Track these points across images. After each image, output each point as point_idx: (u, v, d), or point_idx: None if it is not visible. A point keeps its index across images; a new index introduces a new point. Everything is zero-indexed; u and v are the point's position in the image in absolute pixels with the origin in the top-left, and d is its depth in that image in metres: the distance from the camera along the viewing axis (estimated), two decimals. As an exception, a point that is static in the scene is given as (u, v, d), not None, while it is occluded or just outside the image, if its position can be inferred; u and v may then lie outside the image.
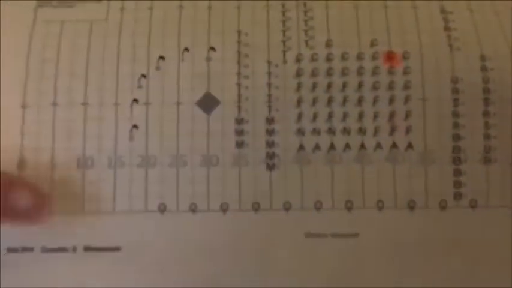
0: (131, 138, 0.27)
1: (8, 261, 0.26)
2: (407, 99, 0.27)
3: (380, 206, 0.26)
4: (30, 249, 0.26)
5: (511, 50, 0.27)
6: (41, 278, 0.26)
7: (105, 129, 0.27)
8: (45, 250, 0.26)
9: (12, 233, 0.26)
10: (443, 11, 0.28)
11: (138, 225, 0.26)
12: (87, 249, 0.26)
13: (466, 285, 0.26)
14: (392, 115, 0.27)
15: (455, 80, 0.27)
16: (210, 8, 0.28)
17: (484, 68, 0.27)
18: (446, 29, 0.28)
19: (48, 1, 0.28)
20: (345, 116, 0.27)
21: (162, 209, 0.26)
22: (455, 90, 0.27)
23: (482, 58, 0.27)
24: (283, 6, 0.28)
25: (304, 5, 0.28)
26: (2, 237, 0.26)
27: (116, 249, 0.26)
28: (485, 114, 0.27)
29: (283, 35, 0.27)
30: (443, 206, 0.26)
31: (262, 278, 0.26)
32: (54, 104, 0.27)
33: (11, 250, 0.26)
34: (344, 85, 0.27)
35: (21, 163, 0.26)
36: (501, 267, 0.26)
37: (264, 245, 0.26)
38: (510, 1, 0.28)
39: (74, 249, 0.26)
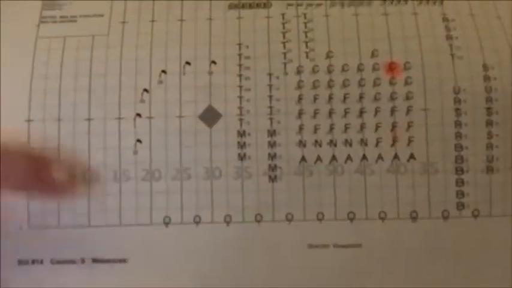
0: (135, 152, 0.27)
1: (18, 273, 0.27)
2: (409, 110, 0.27)
3: (382, 216, 0.26)
4: (40, 262, 0.27)
5: (514, 58, 0.27)
6: (51, 290, 0.27)
7: (110, 143, 0.27)
8: (55, 262, 0.27)
9: (23, 245, 0.27)
10: (445, 19, 0.28)
11: (144, 238, 0.27)
12: (95, 261, 0.27)
13: (468, 295, 0.26)
14: (394, 126, 0.27)
15: (457, 90, 0.27)
16: (210, 20, 0.28)
17: (486, 78, 0.27)
18: (448, 37, 0.27)
19: (51, 17, 0.28)
20: (346, 127, 0.27)
21: (167, 221, 0.27)
22: (458, 100, 0.27)
23: (485, 67, 0.27)
24: (283, 17, 0.28)
25: (305, 15, 0.28)
26: (12, 250, 0.27)
27: (123, 261, 0.27)
28: (488, 123, 0.26)
29: (284, 47, 0.27)
30: (445, 216, 0.26)
31: (265, 288, 0.26)
32: (59, 119, 0.27)
33: (21, 262, 0.27)
34: (345, 96, 0.27)
35: (29, 178, 0.27)
36: (503, 277, 0.26)
37: (267, 255, 0.26)
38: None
39: (83, 261, 0.27)
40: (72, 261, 0.27)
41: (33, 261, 0.27)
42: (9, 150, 0.24)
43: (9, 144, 0.24)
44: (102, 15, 0.28)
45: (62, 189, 0.25)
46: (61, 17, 0.29)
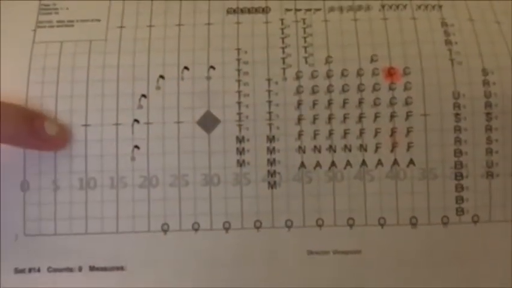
0: (133, 158, 0.27)
1: (15, 281, 0.26)
2: (408, 115, 0.27)
3: (382, 222, 0.26)
4: (37, 270, 0.26)
5: (513, 63, 0.27)
6: (48, 298, 0.26)
7: (107, 150, 0.27)
8: (52, 270, 0.26)
9: (19, 254, 0.26)
10: (444, 24, 0.28)
11: (141, 246, 0.26)
12: (92, 269, 0.26)
13: (468, 301, 0.26)
14: (393, 131, 0.27)
15: (456, 95, 0.27)
16: (209, 25, 0.28)
17: (486, 82, 0.27)
18: (448, 42, 0.27)
19: (47, 22, 0.28)
20: (345, 133, 0.27)
21: (165, 229, 0.26)
22: (457, 105, 0.27)
23: (484, 72, 0.27)
24: (282, 22, 0.28)
25: (303, 21, 0.28)
26: (9, 258, 0.26)
27: (120, 268, 0.26)
28: (488, 128, 0.26)
29: (283, 52, 0.27)
30: (445, 222, 0.26)
31: (265, 296, 0.26)
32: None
33: (18, 271, 0.26)
34: (344, 102, 0.27)
35: (24, 185, 0.27)
36: (504, 282, 0.26)
37: (266, 262, 0.26)
38: (511, 7, 0.28)
39: (80, 269, 0.26)
40: (69, 269, 0.26)
41: (30, 270, 0.26)
42: (5, 104, 0.25)
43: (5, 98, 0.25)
44: (99, 20, 0.28)
45: (52, 142, 0.26)
46: (58, 21, 0.28)
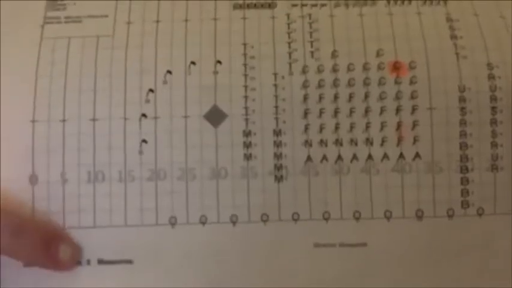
0: (141, 152, 0.27)
1: (25, 274, 0.26)
2: (414, 109, 0.27)
3: (388, 215, 0.27)
4: (47, 264, 0.27)
5: (518, 57, 0.27)
6: (57, 291, 0.27)
7: (115, 143, 0.27)
8: (61, 264, 0.27)
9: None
10: (449, 18, 0.28)
11: (149, 239, 0.27)
12: (100, 262, 0.27)
13: (473, 294, 0.26)
14: (399, 125, 0.27)
15: (462, 89, 0.27)
16: (215, 20, 0.28)
17: (491, 76, 0.27)
18: (453, 37, 0.27)
19: (55, 18, 0.28)
20: (351, 127, 0.27)
21: (173, 222, 0.27)
22: (462, 99, 0.27)
23: (489, 66, 0.27)
24: (288, 17, 0.28)
25: (309, 16, 0.28)
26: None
27: (129, 261, 0.27)
28: (493, 122, 0.27)
29: (289, 46, 0.28)
30: (450, 215, 0.26)
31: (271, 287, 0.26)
32: (64, 120, 0.27)
33: (27, 264, 0.27)
34: (350, 96, 0.27)
35: (33, 178, 0.27)
36: (508, 275, 0.26)
37: (273, 255, 0.26)
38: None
39: (88, 262, 0.27)
40: (78, 263, 0.27)
41: (40, 263, 0.27)
42: (22, 228, 0.25)
43: (21, 221, 0.25)
44: (106, 16, 0.28)
45: (65, 265, 0.26)
46: (66, 17, 0.28)
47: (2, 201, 0.25)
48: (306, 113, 0.27)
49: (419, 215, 0.26)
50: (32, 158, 0.27)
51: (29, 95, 0.27)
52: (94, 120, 0.27)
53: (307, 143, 0.27)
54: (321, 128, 0.27)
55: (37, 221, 0.26)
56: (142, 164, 0.27)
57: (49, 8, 0.29)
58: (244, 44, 0.28)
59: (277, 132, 0.27)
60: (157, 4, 0.29)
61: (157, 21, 0.28)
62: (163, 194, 0.27)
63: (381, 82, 0.27)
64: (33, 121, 0.27)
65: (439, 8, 0.28)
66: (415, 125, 0.27)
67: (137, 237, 0.27)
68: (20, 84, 0.27)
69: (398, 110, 0.27)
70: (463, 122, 0.27)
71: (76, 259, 0.26)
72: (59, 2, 0.29)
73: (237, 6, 0.29)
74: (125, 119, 0.27)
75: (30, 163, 0.27)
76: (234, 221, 0.27)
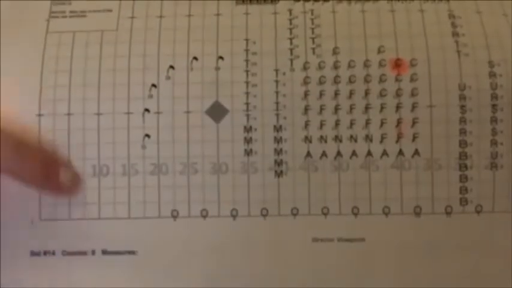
0: (143, 146, 0.27)
1: (31, 264, 0.27)
2: (414, 106, 0.27)
3: (386, 211, 0.27)
4: (52, 253, 0.28)
5: (520, 55, 0.27)
6: (62, 280, 0.27)
7: (119, 138, 0.27)
8: (66, 253, 0.27)
9: (35, 237, 0.27)
10: (451, 16, 0.28)
11: (152, 231, 0.27)
12: (105, 252, 0.27)
13: (470, 290, 0.27)
14: (399, 122, 0.27)
15: (462, 87, 0.27)
16: (218, 15, 0.28)
17: (492, 74, 0.27)
18: (455, 34, 0.27)
19: (60, 12, 0.29)
20: (351, 123, 0.27)
21: (175, 215, 0.27)
22: (463, 97, 0.27)
23: (491, 64, 0.27)
24: (290, 13, 0.28)
25: (312, 12, 0.28)
26: (25, 242, 0.27)
27: (132, 252, 0.27)
28: (493, 120, 0.27)
29: (291, 43, 0.28)
30: (449, 212, 0.27)
31: (270, 281, 0.27)
32: (69, 114, 0.28)
33: (34, 254, 0.27)
34: (351, 93, 0.27)
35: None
36: (506, 272, 0.26)
37: (272, 249, 0.27)
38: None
39: (93, 252, 0.27)
40: (83, 253, 0.27)
41: (45, 253, 0.27)
42: (24, 146, 0.25)
43: (23, 140, 0.25)
44: (111, 11, 0.29)
45: (66, 190, 0.27)
46: (71, 11, 0.29)
47: (6, 124, 0.25)
48: (306, 109, 0.27)
49: (418, 212, 0.27)
50: (39, 150, 0.28)
51: (34, 89, 0.28)
52: (98, 114, 0.28)
53: (307, 139, 0.27)
54: (321, 125, 0.27)
55: (39, 144, 0.27)
56: (145, 158, 0.27)
57: (54, 2, 0.29)
58: (247, 40, 0.28)
59: (277, 128, 0.27)
60: (160, -1, 0.29)
61: (161, 17, 0.28)
62: (165, 188, 0.27)
63: (381, 79, 0.27)
64: (39, 115, 0.28)
65: (442, 5, 0.28)
66: (414, 122, 0.27)
67: (140, 229, 0.27)
68: (25, 78, 0.28)
69: (398, 107, 0.27)
70: (463, 120, 0.27)
71: (76, 185, 0.27)
72: (64, -4, 0.29)
73: (239, 2, 0.29)
74: (129, 113, 0.28)
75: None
76: (234, 215, 0.27)
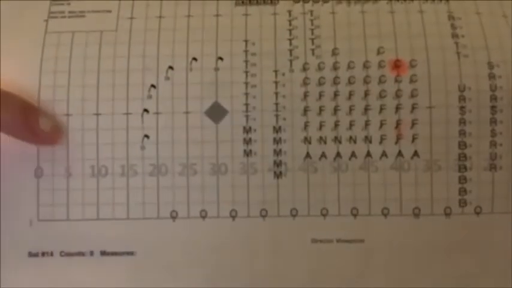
0: (143, 147, 0.27)
1: (29, 265, 0.27)
2: (413, 108, 0.27)
3: (385, 212, 0.27)
4: (50, 254, 0.27)
5: (519, 56, 0.27)
6: (60, 281, 0.27)
7: (118, 138, 0.27)
8: (64, 254, 0.27)
9: (33, 238, 0.27)
10: (451, 17, 0.28)
11: (151, 232, 0.27)
12: (103, 253, 0.27)
13: (469, 291, 0.27)
14: (398, 123, 0.27)
15: (462, 88, 0.27)
16: (217, 16, 0.28)
17: (491, 76, 0.27)
18: (454, 35, 0.27)
19: (59, 12, 0.29)
20: (351, 124, 0.27)
21: (174, 216, 0.27)
22: (462, 98, 0.27)
23: (490, 65, 0.27)
24: (289, 14, 0.28)
25: (311, 13, 0.28)
26: (23, 242, 0.27)
27: (131, 253, 0.27)
28: (492, 121, 0.27)
29: (290, 44, 0.28)
30: (448, 213, 0.27)
31: (269, 282, 0.27)
32: (67, 114, 0.28)
33: (32, 255, 0.27)
34: (350, 94, 0.27)
35: (38, 171, 0.27)
36: (505, 274, 0.26)
37: (271, 250, 0.27)
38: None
39: (91, 253, 0.27)
40: (81, 254, 0.27)
41: (43, 254, 0.27)
42: (4, 95, 0.25)
43: (3, 91, 0.25)
44: (110, 11, 0.29)
45: (47, 137, 0.27)
46: (70, 12, 0.29)
47: None
48: (305, 110, 0.27)
49: (417, 213, 0.27)
50: (38, 151, 0.27)
51: (33, 89, 0.28)
52: (97, 115, 0.27)
53: (307, 140, 0.27)
54: (321, 125, 0.27)
55: (19, 95, 0.27)
56: (144, 158, 0.27)
57: (53, 2, 0.29)
58: (246, 41, 0.28)
59: (277, 129, 0.27)
60: (160, 0, 0.29)
61: (160, 17, 0.28)
62: (164, 189, 0.27)
63: (381, 80, 0.27)
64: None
65: (441, 6, 0.28)
66: (414, 123, 0.27)
67: (139, 230, 0.27)
68: (24, 79, 0.28)
69: (397, 108, 0.27)
70: (462, 121, 0.27)
71: (58, 133, 0.27)
72: (63, -4, 0.29)
73: (239, 3, 0.29)
74: (128, 114, 0.27)
75: (35, 156, 0.27)
76: (233, 215, 0.27)
